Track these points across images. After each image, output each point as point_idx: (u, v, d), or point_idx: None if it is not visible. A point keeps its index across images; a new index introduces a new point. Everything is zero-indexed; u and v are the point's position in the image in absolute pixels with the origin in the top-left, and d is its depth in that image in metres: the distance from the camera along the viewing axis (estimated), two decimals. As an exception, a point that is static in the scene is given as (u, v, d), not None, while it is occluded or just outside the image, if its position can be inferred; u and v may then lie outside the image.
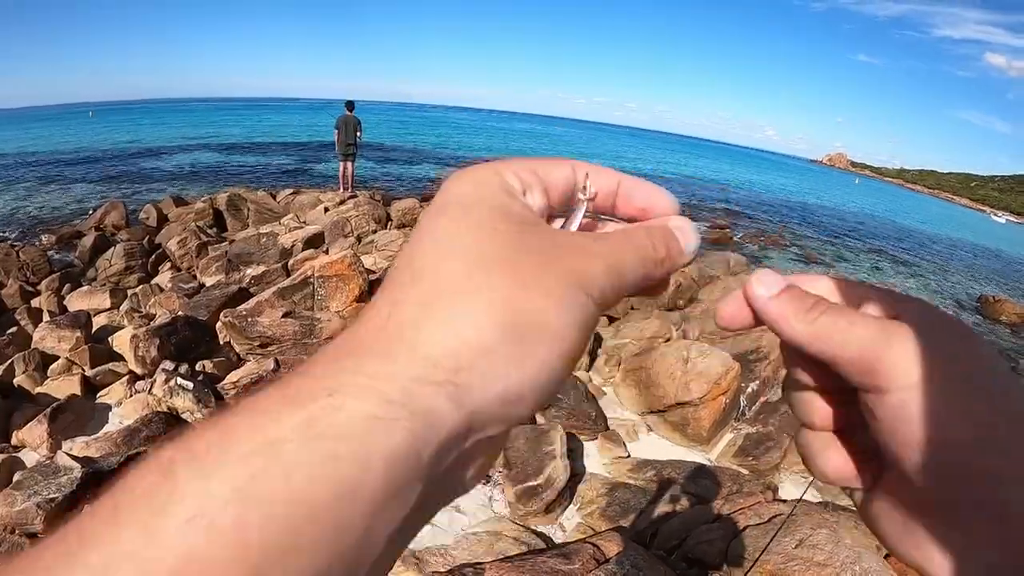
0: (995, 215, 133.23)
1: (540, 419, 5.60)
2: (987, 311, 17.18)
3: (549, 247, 0.38)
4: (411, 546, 3.91)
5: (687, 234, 0.46)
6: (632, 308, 9.19)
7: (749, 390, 6.59)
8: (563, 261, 0.37)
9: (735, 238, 20.20)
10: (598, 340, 7.68)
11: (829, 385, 0.45)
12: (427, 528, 4.06)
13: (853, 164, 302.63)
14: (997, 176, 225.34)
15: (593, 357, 7.29)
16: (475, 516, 4.48)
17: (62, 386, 5.78)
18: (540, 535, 4.33)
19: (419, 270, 0.36)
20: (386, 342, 0.33)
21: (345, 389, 0.30)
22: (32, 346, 6.55)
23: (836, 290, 0.46)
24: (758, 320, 0.45)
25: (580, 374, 6.69)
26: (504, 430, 0.36)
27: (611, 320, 8.74)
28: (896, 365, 0.38)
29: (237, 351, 6.43)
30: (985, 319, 16.55)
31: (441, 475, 0.33)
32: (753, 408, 6.49)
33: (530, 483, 4.49)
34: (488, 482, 4.86)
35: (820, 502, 5.00)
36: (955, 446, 0.36)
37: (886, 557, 4.11)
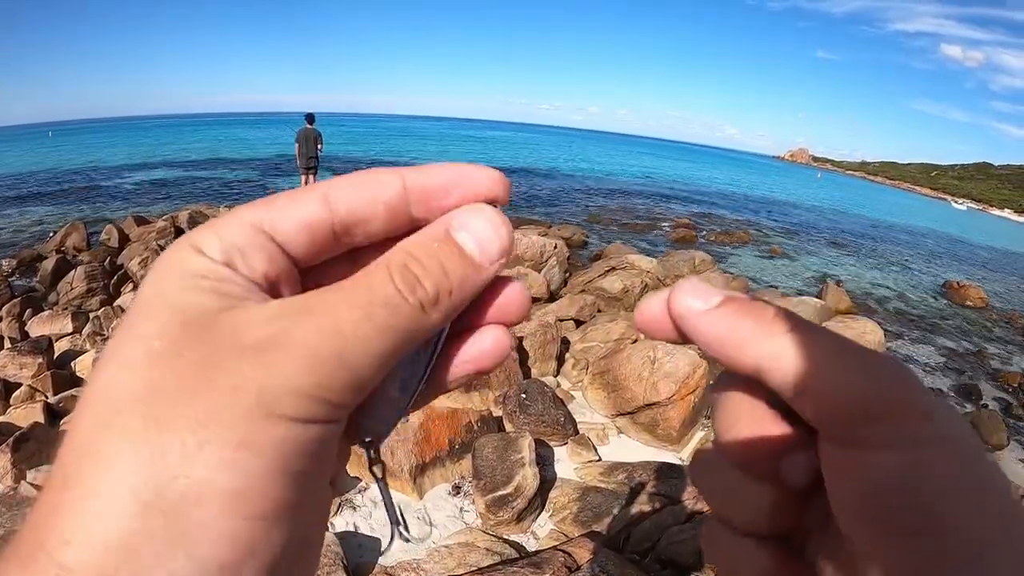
0: (956, 203, 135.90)
1: (508, 426, 5.61)
2: (952, 296, 17.53)
3: (214, 354, 0.28)
4: (383, 562, 3.90)
5: (477, 232, 0.34)
6: (599, 311, 9.24)
7: (717, 388, 6.66)
8: (231, 372, 0.27)
9: (700, 236, 20.37)
10: (565, 344, 7.70)
11: (772, 451, 0.33)
12: (398, 542, 4.05)
13: (815, 159, 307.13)
14: (957, 165, 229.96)
15: (560, 361, 7.31)
16: (446, 528, 4.47)
17: (25, 414, 5.68)
18: (513, 544, 4.33)
19: (74, 421, 0.29)
20: (28, 543, 0.26)
21: None
22: (-8, 375, 6.43)
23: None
24: (684, 337, 0.35)
25: (548, 379, 6.70)
26: None
27: (578, 324, 8.78)
28: (910, 413, 0.29)
29: (202, 371, 6.37)
30: (951, 304, 16.86)
31: None
32: (722, 406, 6.55)
33: (500, 492, 4.49)
34: (458, 493, 4.85)
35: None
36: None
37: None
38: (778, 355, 0.31)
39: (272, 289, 0.33)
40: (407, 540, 0.41)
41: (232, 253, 0.31)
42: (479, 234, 0.34)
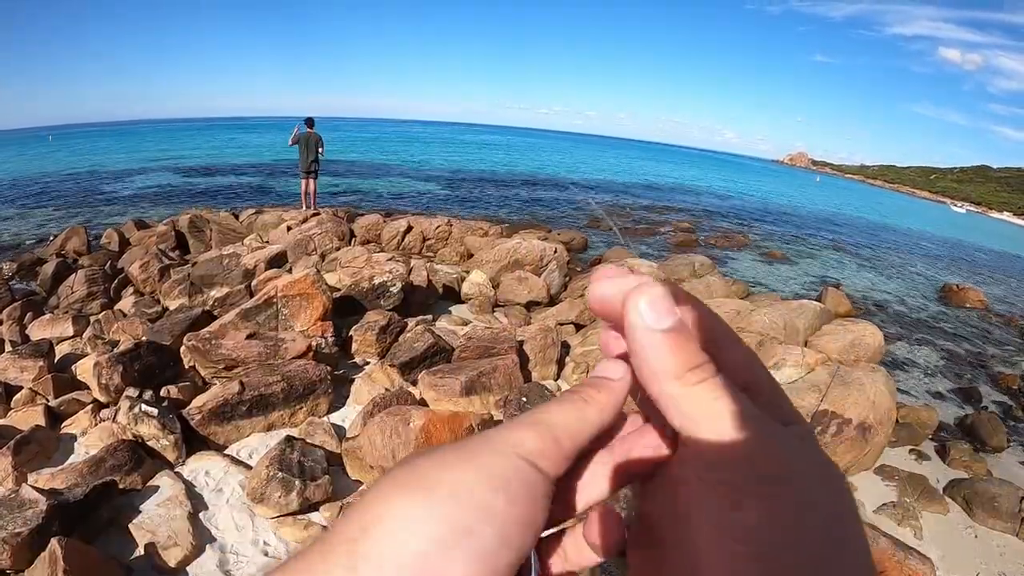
0: (955, 206, 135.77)
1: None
2: (952, 299, 17.57)
3: None
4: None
5: (609, 374, 0.41)
6: (600, 314, 9.24)
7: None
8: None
9: (700, 240, 20.39)
10: (565, 348, 7.72)
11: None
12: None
13: (814, 163, 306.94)
14: (956, 168, 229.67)
15: (561, 365, 7.32)
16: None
17: (25, 417, 5.66)
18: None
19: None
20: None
21: None
22: (-7, 378, 6.43)
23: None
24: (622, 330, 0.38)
25: (548, 383, 6.71)
26: None
27: (578, 327, 8.79)
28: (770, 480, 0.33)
29: (202, 375, 6.36)
30: (949, 307, 16.88)
31: None
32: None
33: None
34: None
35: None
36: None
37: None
38: (679, 410, 0.35)
39: None
40: None
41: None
42: (609, 375, 0.41)
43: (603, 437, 0.41)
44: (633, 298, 0.36)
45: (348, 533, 0.33)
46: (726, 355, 0.38)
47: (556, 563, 0.42)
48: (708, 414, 0.34)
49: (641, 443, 0.41)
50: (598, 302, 0.39)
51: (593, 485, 0.41)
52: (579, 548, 0.42)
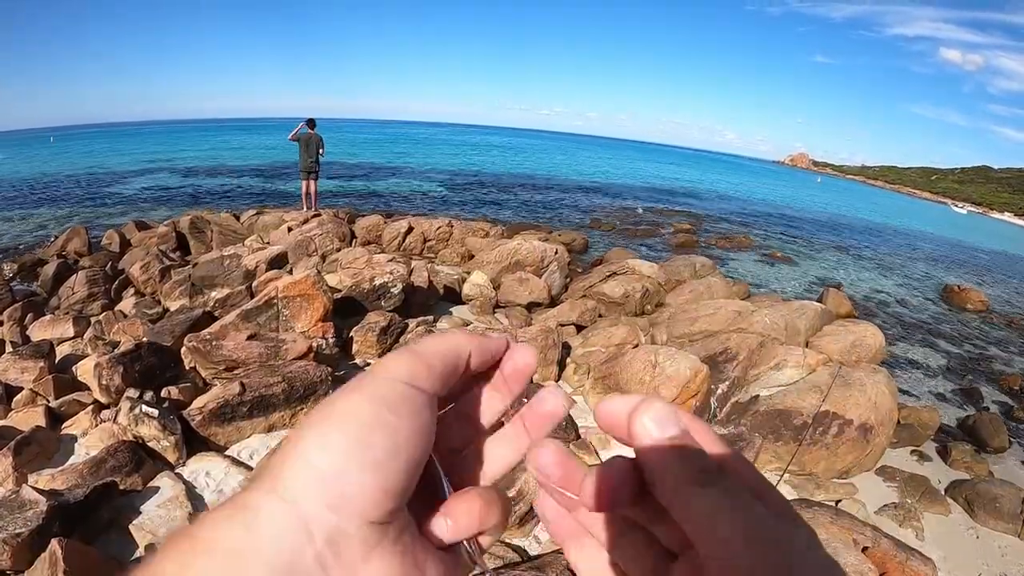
0: (956, 206, 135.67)
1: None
2: (953, 300, 17.58)
3: None
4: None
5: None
6: (600, 316, 9.24)
7: (719, 391, 6.65)
8: None
9: (700, 241, 20.39)
10: (566, 349, 7.71)
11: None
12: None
13: (815, 163, 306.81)
14: (957, 168, 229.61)
15: (562, 366, 7.32)
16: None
17: (26, 418, 5.66)
18: (515, 548, 4.33)
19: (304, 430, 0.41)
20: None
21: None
22: (-7, 379, 6.42)
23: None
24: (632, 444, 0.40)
25: (549, 384, 6.70)
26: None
27: (579, 329, 8.79)
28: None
29: (203, 376, 6.36)
30: (951, 308, 16.88)
31: None
32: (724, 409, 6.55)
33: (502, 496, 4.48)
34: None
35: (795, 499, 5.05)
36: None
37: (864, 551, 4.16)
38: (693, 512, 0.36)
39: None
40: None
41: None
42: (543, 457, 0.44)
43: (489, 370, 0.52)
44: (638, 413, 0.38)
45: (271, 467, 0.38)
46: (730, 463, 0.39)
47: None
48: (722, 516, 0.35)
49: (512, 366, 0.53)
50: (605, 419, 0.41)
51: (490, 407, 0.52)
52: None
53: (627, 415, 0.39)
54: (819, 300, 12.50)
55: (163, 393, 5.73)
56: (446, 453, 0.49)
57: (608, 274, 10.59)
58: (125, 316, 8.44)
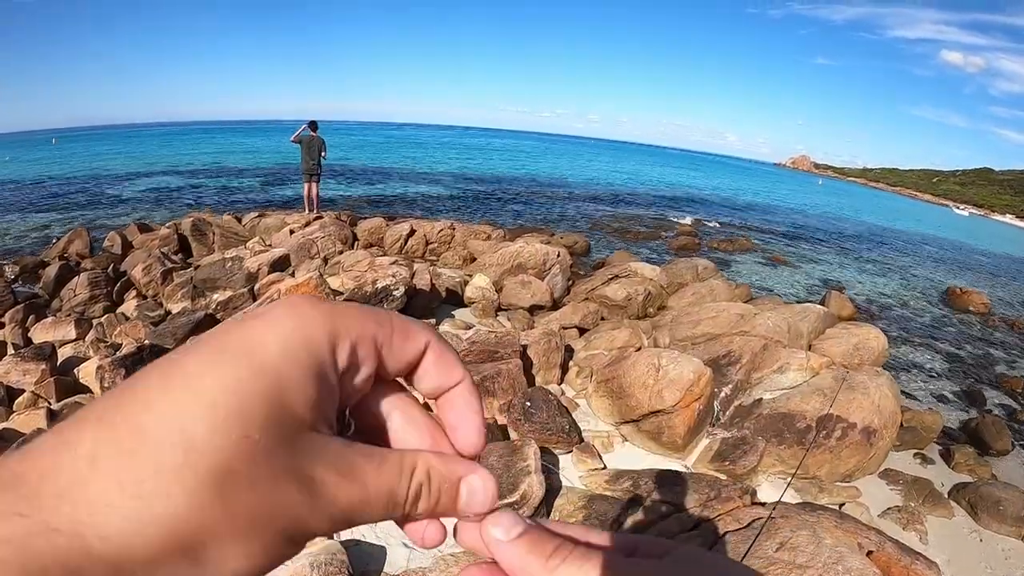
0: (957, 208, 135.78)
1: (513, 434, 5.60)
2: (955, 302, 17.58)
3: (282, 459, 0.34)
4: (388, 570, 3.88)
5: (476, 493, 0.43)
6: (602, 319, 9.23)
7: (722, 395, 6.64)
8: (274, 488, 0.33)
9: (702, 244, 20.39)
10: (569, 352, 7.70)
11: None
12: (404, 551, 4.04)
13: (816, 166, 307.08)
14: (958, 171, 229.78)
15: (564, 369, 7.31)
16: (452, 536, 4.45)
17: (28, 420, 5.66)
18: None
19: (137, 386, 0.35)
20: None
21: None
22: (-5, 381, 6.42)
23: (609, 539, 0.44)
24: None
25: (552, 387, 6.70)
26: None
27: (581, 331, 8.78)
28: None
29: (206, 378, 6.35)
30: (954, 310, 16.88)
31: None
32: (727, 413, 6.54)
33: (506, 500, 4.47)
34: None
35: (799, 503, 5.04)
36: None
37: (868, 555, 4.14)
38: None
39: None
40: (410, 547, 0.47)
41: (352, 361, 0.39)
42: (476, 495, 0.42)
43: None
44: (485, 526, 0.42)
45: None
46: (580, 539, 0.43)
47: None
48: None
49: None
50: (466, 546, 0.44)
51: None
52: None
53: (479, 530, 0.42)
54: (821, 303, 12.48)
55: (165, 396, 5.73)
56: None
57: (610, 277, 10.58)
58: (127, 318, 8.45)
